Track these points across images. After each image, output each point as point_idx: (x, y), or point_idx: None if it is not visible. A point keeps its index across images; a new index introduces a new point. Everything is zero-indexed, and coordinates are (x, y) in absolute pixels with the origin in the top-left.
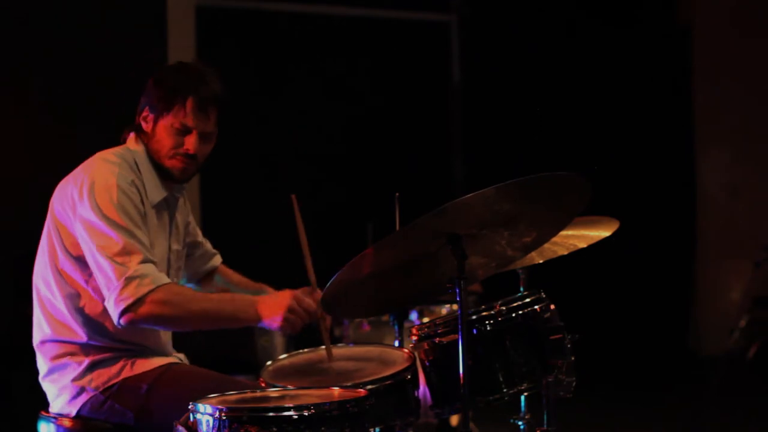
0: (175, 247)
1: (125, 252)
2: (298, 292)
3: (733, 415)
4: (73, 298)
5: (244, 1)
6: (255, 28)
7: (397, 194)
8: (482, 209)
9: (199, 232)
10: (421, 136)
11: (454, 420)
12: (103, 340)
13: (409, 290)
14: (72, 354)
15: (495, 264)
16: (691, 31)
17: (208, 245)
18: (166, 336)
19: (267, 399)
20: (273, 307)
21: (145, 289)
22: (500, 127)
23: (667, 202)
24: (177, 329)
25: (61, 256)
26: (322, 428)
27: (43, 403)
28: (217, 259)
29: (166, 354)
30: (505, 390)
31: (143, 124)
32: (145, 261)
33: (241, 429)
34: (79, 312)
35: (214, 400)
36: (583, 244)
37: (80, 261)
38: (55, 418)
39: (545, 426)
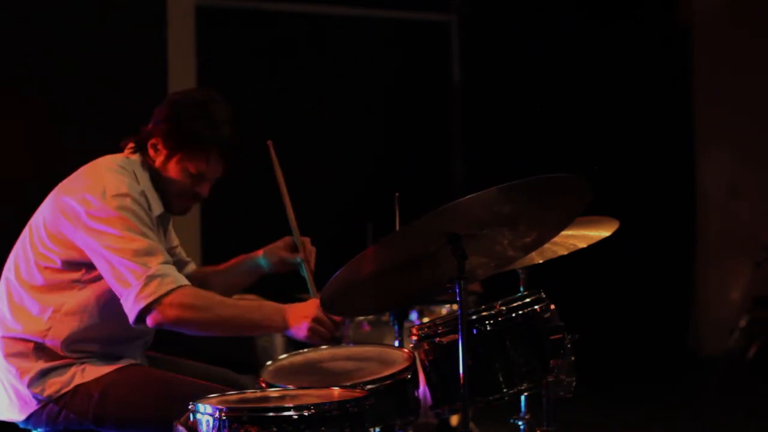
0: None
1: (146, 252)
2: None
3: (733, 415)
4: (48, 297)
5: (244, 1)
6: (255, 28)
7: (397, 194)
8: (482, 209)
9: (176, 238)
10: (421, 136)
11: (454, 420)
12: (59, 345)
13: (409, 290)
14: (25, 356)
15: (495, 264)
16: (691, 31)
17: (183, 253)
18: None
19: (267, 399)
20: (299, 316)
21: (166, 288)
22: (500, 127)
23: (667, 202)
24: (200, 333)
25: (43, 259)
26: (322, 428)
27: None
28: (192, 266)
29: (121, 358)
30: (505, 390)
31: (151, 150)
32: (166, 262)
33: (241, 429)
34: (49, 311)
35: (214, 400)
36: (583, 244)
37: (71, 264)
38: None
39: (545, 426)
